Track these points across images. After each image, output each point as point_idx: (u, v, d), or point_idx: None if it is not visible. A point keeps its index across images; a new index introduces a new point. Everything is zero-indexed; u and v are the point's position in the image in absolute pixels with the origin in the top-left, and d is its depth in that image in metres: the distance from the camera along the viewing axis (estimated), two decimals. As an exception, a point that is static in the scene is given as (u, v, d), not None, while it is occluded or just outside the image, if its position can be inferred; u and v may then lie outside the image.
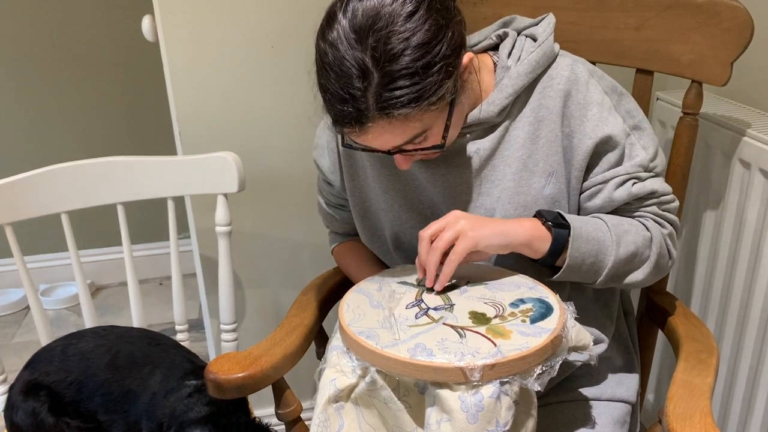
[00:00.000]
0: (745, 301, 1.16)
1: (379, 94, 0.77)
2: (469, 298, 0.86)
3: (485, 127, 0.93)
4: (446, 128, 0.85)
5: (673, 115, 1.22)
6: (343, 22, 0.78)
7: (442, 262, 0.86)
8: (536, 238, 0.87)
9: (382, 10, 0.77)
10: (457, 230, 0.84)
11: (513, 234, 0.86)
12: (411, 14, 0.77)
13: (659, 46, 1.07)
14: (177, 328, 1.32)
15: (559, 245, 0.88)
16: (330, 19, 0.80)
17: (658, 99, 1.36)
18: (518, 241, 0.87)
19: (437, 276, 0.87)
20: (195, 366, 1.09)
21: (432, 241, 0.86)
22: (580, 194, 0.95)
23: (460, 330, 0.79)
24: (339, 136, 0.89)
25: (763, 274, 1.11)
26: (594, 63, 1.11)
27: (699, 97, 1.07)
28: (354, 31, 0.77)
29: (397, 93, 0.77)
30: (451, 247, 0.85)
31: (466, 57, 0.84)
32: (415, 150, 0.85)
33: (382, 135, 0.81)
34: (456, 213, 0.87)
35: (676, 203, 0.97)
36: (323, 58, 0.80)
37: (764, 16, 1.15)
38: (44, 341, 1.21)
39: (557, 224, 0.88)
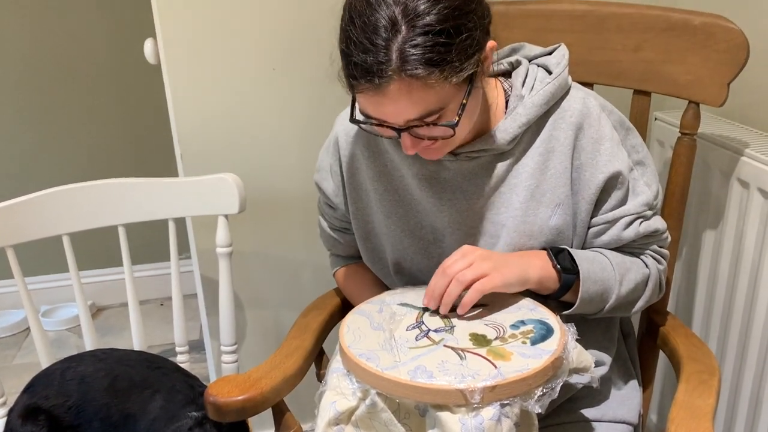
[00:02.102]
0: (746, 321, 1.16)
1: (403, 49, 0.76)
2: (469, 320, 0.86)
3: (495, 154, 0.94)
4: (462, 107, 0.83)
5: (671, 135, 1.23)
6: None
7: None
8: (545, 278, 0.90)
9: None
10: (484, 270, 0.85)
11: (529, 275, 0.89)
12: None
13: (656, 67, 1.08)
14: (177, 349, 1.32)
15: (566, 288, 0.91)
16: None
17: (656, 119, 1.37)
18: (532, 281, 0.89)
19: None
20: (195, 393, 1.08)
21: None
22: (588, 228, 0.96)
23: (460, 352, 0.79)
24: (350, 111, 0.87)
25: (763, 293, 1.11)
26: (592, 84, 1.12)
27: (696, 118, 1.08)
28: None
29: (422, 49, 0.76)
30: None
31: (490, 43, 0.84)
32: (428, 125, 0.82)
33: (399, 100, 0.79)
34: (479, 252, 0.88)
35: (670, 238, 1.01)
36: (352, 12, 0.79)
37: (760, 37, 1.16)
38: (44, 363, 1.20)
39: (566, 268, 0.90)
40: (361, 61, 0.78)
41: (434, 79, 0.78)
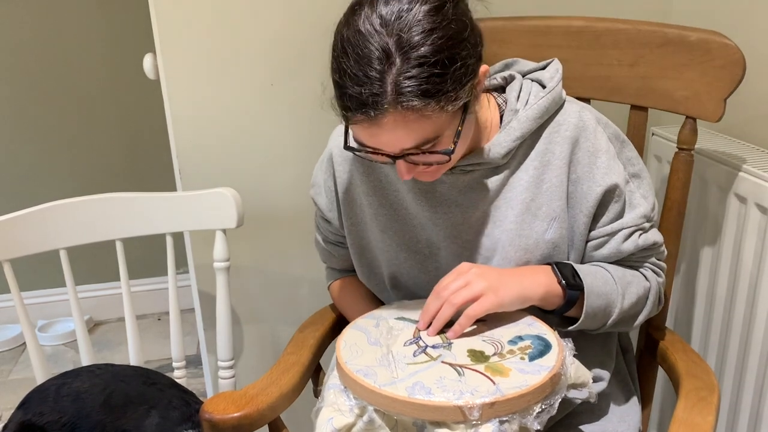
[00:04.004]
0: (745, 336, 1.16)
1: (398, 81, 0.76)
2: (467, 336, 0.85)
3: (490, 168, 0.94)
4: (457, 134, 0.83)
5: (669, 150, 1.23)
6: (368, 10, 0.78)
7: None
8: (550, 294, 0.90)
9: (408, 2, 0.77)
10: (478, 291, 0.85)
11: (530, 293, 0.88)
12: (438, 8, 0.78)
13: (653, 83, 1.09)
14: (174, 364, 1.31)
15: (570, 304, 0.91)
16: (355, 8, 0.80)
17: (653, 134, 1.37)
18: (534, 299, 0.89)
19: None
20: (191, 410, 1.08)
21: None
22: (586, 242, 0.96)
23: (458, 368, 0.78)
24: (344, 138, 0.86)
25: (762, 309, 1.11)
26: (588, 99, 1.13)
27: (693, 133, 1.08)
28: (380, 17, 0.77)
29: (417, 81, 0.76)
30: None
31: (483, 68, 0.84)
32: (422, 153, 0.82)
33: (395, 130, 0.79)
34: (475, 270, 0.87)
35: (666, 251, 1.02)
36: (344, 43, 0.79)
37: (757, 53, 1.17)
38: (40, 379, 1.20)
39: (570, 284, 0.90)
40: (356, 94, 0.78)
41: (430, 110, 0.78)
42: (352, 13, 0.80)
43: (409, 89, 0.76)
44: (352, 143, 0.85)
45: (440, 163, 0.85)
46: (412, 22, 0.76)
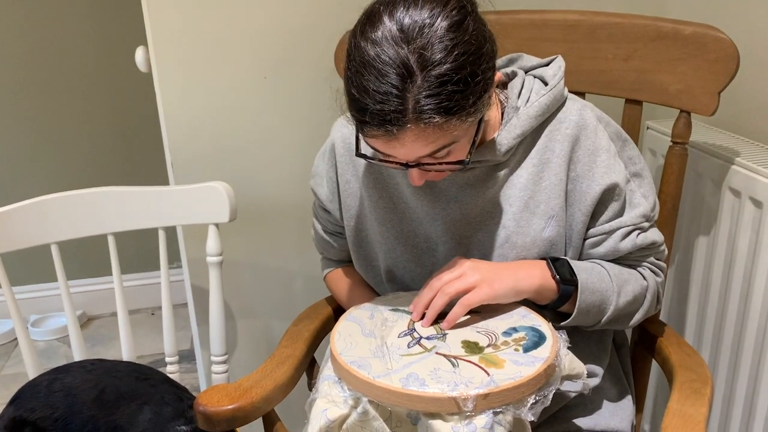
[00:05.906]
0: (738, 329, 1.16)
1: (419, 99, 0.75)
2: (461, 327, 0.85)
3: (490, 165, 0.94)
4: (473, 144, 0.82)
5: (663, 143, 1.23)
6: (388, 22, 0.76)
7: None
8: (544, 288, 0.90)
9: (430, 17, 0.76)
10: (472, 282, 0.85)
11: (524, 286, 0.88)
12: (459, 23, 0.76)
13: (647, 77, 1.09)
14: (167, 359, 1.30)
15: (564, 299, 0.91)
16: (373, 18, 0.77)
17: (648, 128, 1.37)
18: (528, 292, 0.89)
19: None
20: (184, 405, 1.07)
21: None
22: (584, 240, 0.96)
23: (452, 359, 0.78)
24: (355, 144, 0.85)
25: (756, 302, 1.11)
26: (584, 93, 1.13)
27: (688, 127, 1.08)
28: (401, 31, 0.75)
29: (438, 99, 0.75)
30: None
31: (497, 75, 0.84)
32: (438, 163, 0.82)
33: (414, 143, 0.78)
34: (468, 263, 0.87)
35: (666, 251, 1.02)
36: (363, 56, 0.76)
37: (751, 46, 1.17)
38: (32, 374, 1.19)
39: (565, 279, 0.90)
40: (377, 111, 0.76)
41: (450, 126, 0.77)
42: (371, 23, 0.77)
43: (431, 107, 0.75)
44: (363, 149, 0.84)
45: (452, 170, 0.86)
46: (434, 39, 0.75)
